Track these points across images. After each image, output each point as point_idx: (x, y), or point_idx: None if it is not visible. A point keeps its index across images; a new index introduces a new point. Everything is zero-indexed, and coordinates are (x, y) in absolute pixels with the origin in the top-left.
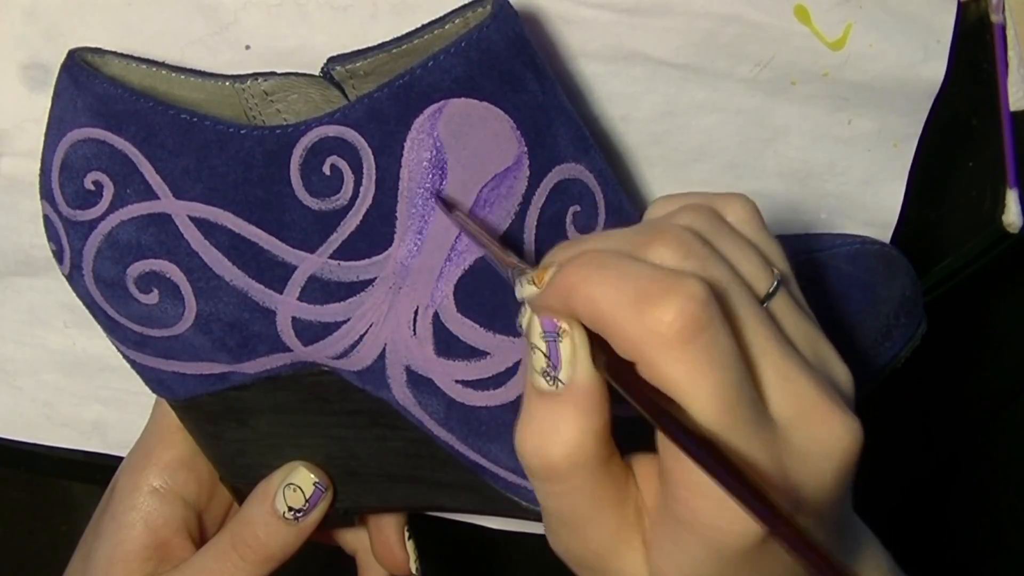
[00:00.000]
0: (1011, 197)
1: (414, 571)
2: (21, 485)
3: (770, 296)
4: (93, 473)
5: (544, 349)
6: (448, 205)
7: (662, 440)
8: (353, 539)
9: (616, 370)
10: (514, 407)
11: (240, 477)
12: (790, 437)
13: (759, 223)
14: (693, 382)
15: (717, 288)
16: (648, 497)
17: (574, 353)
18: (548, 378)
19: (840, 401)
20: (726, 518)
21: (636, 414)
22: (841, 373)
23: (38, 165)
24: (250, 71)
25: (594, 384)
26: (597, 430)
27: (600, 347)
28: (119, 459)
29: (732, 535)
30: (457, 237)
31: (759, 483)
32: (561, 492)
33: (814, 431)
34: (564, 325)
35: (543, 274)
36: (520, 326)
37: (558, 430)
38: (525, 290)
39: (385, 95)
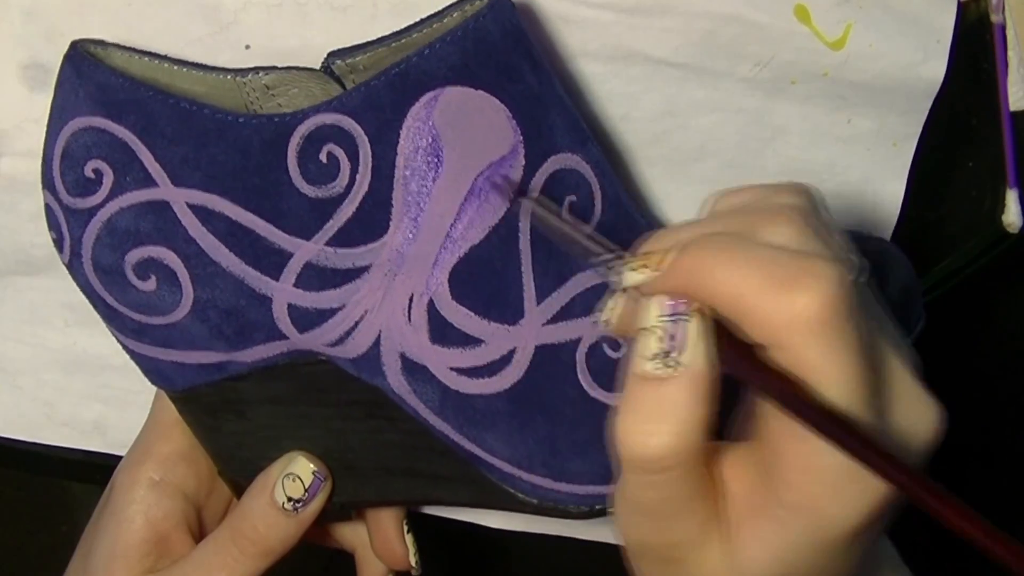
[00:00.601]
0: (1011, 197)
1: (413, 565)
2: (21, 485)
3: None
4: (93, 473)
5: (665, 331)
6: (514, 190)
7: (769, 426)
8: (352, 536)
9: (735, 355)
10: (508, 396)
11: (239, 471)
12: (890, 419)
13: (825, 209)
14: (833, 365)
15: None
16: (737, 486)
17: (700, 334)
18: (663, 362)
19: (925, 386)
20: (840, 503)
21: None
22: (913, 355)
23: (38, 165)
24: None
25: (711, 369)
26: (703, 421)
27: (723, 334)
28: (120, 459)
29: (841, 520)
30: (452, 224)
31: (893, 453)
32: (658, 483)
33: (915, 416)
34: (695, 305)
35: (660, 258)
36: (601, 318)
37: (670, 417)
38: (630, 276)
39: (381, 83)
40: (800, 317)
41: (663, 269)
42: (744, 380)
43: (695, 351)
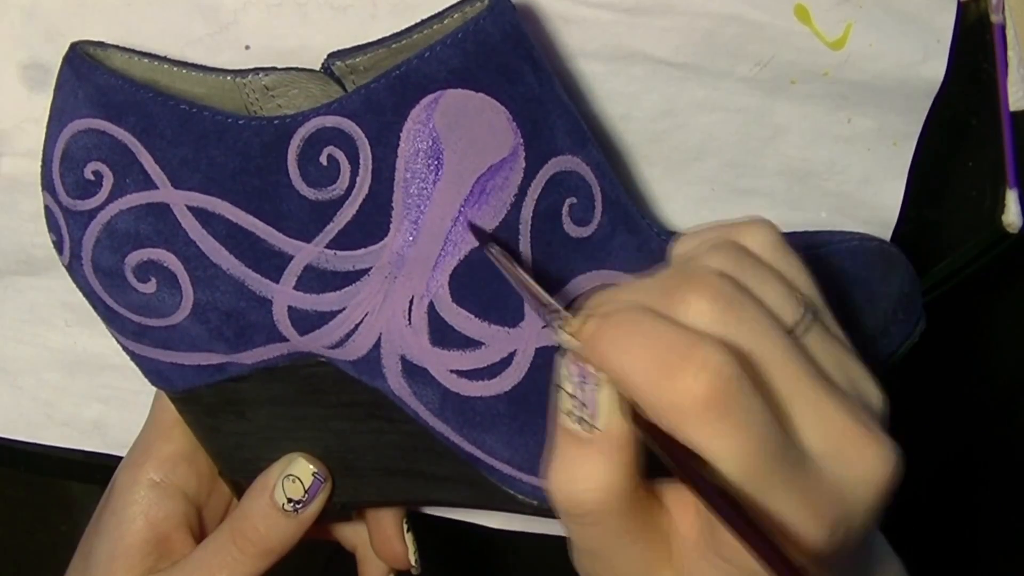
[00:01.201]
0: (1011, 197)
1: (413, 563)
2: (21, 485)
3: (798, 325)
4: (93, 473)
5: (577, 395)
6: (481, 235)
7: None
8: (353, 534)
9: (646, 423)
10: (508, 397)
11: (239, 471)
12: (826, 470)
13: (783, 248)
14: (720, 447)
15: (745, 343)
16: (685, 526)
17: (610, 401)
18: (579, 422)
19: (875, 427)
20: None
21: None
22: (874, 395)
23: (38, 165)
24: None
25: (627, 430)
26: (629, 471)
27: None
28: (119, 459)
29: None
30: (452, 227)
31: (778, 542)
32: (591, 533)
33: (850, 462)
34: (603, 375)
35: (579, 327)
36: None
37: (590, 473)
38: (562, 337)
39: (382, 86)
40: (682, 404)
41: (578, 339)
42: (654, 449)
43: (608, 418)
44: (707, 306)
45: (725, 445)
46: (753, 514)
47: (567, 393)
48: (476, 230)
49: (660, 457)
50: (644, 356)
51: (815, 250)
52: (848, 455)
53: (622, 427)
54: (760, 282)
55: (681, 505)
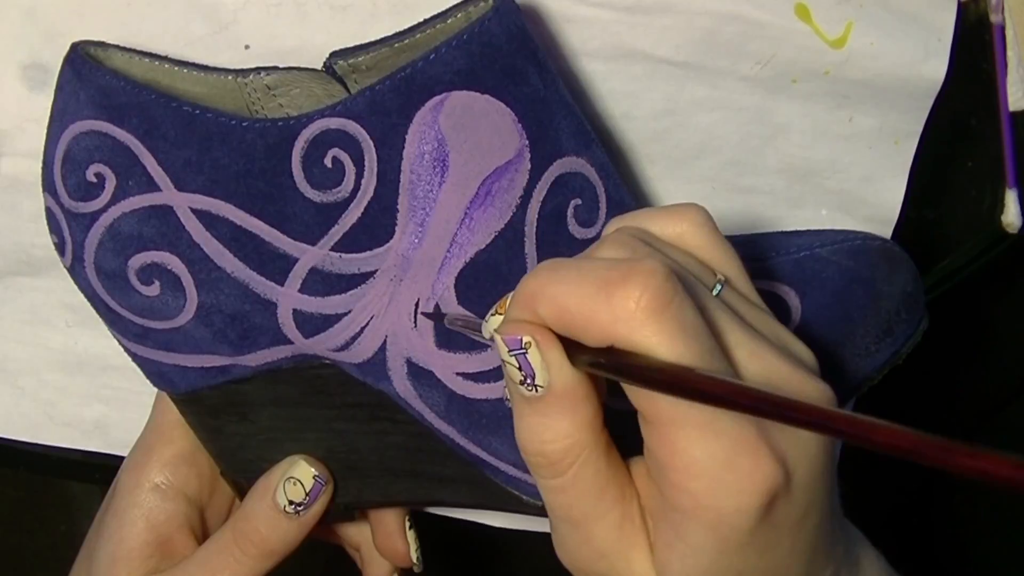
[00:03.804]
0: (1010, 197)
1: (415, 561)
2: (21, 485)
3: (714, 288)
4: (93, 473)
5: (515, 363)
6: (438, 317)
7: (649, 429)
8: (356, 534)
9: (600, 360)
10: None
11: (241, 471)
12: None
13: (708, 227)
14: (670, 348)
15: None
16: (645, 497)
17: (543, 359)
18: (527, 387)
19: (808, 370)
20: (721, 495)
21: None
22: (804, 352)
23: (39, 165)
24: None
25: (573, 381)
26: (588, 420)
27: (576, 345)
28: (120, 459)
29: (730, 512)
30: (458, 229)
31: (759, 390)
32: (565, 486)
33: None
34: (527, 338)
35: (504, 301)
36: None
37: (551, 427)
38: (491, 322)
39: (387, 87)
40: (627, 311)
41: (505, 309)
42: (617, 379)
43: (544, 375)
44: (620, 247)
45: (676, 346)
46: (716, 375)
47: (512, 366)
48: (434, 315)
49: (610, 377)
50: (577, 282)
51: (817, 249)
52: (787, 392)
53: (564, 377)
54: (670, 250)
55: (639, 476)
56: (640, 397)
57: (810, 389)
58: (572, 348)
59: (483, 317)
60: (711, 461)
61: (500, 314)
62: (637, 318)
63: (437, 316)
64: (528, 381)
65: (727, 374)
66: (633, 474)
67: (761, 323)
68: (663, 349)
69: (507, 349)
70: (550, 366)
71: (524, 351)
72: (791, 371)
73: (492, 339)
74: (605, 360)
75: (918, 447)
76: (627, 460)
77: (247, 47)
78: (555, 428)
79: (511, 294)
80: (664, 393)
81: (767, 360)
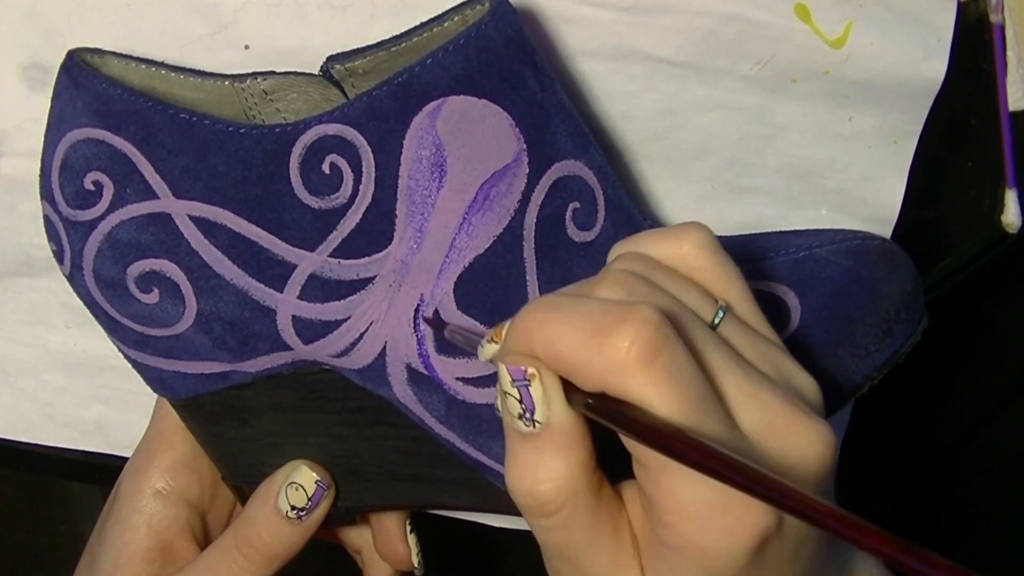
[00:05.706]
0: (1010, 197)
1: (416, 565)
2: (21, 485)
3: (716, 325)
4: (93, 473)
5: (517, 395)
6: (439, 325)
7: (641, 470)
8: (357, 537)
9: (595, 404)
10: None
11: (242, 477)
12: (763, 450)
13: (709, 253)
14: (660, 398)
15: (667, 313)
16: (638, 526)
17: (545, 394)
18: (526, 421)
19: (808, 409)
20: (712, 537)
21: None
22: (805, 384)
23: (38, 165)
24: (249, 71)
25: (571, 420)
26: (583, 461)
27: (572, 385)
28: (119, 459)
29: (721, 554)
30: (456, 234)
31: (750, 465)
32: (556, 526)
33: (786, 441)
34: (531, 369)
35: (501, 329)
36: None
37: (545, 467)
38: (487, 349)
39: (384, 93)
40: (617, 361)
41: (502, 339)
42: (610, 427)
43: (544, 410)
44: (619, 288)
45: (666, 397)
46: (715, 446)
47: (513, 398)
48: (434, 322)
49: (603, 423)
50: (571, 325)
51: (817, 249)
52: (785, 435)
53: (562, 415)
54: (672, 283)
55: (632, 503)
56: (632, 440)
57: (805, 431)
58: (568, 388)
59: (482, 322)
60: (702, 504)
61: (495, 342)
62: (628, 368)
63: (438, 324)
64: (527, 416)
65: (721, 422)
66: (626, 499)
67: (761, 356)
68: (653, 399)
69: (510, 379)
70: (551, 401)
71: (527, 383)
72: (788, 414)
73: (493, 363)
74: (599, 405)
75: (901, 557)
76: (619, 485)
77: (247, 47)
78: (549, 467)
79: (507, 323)
80: (653, 449)
81: (763, 404)
